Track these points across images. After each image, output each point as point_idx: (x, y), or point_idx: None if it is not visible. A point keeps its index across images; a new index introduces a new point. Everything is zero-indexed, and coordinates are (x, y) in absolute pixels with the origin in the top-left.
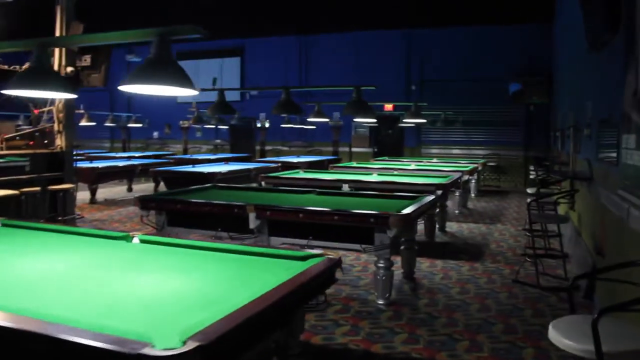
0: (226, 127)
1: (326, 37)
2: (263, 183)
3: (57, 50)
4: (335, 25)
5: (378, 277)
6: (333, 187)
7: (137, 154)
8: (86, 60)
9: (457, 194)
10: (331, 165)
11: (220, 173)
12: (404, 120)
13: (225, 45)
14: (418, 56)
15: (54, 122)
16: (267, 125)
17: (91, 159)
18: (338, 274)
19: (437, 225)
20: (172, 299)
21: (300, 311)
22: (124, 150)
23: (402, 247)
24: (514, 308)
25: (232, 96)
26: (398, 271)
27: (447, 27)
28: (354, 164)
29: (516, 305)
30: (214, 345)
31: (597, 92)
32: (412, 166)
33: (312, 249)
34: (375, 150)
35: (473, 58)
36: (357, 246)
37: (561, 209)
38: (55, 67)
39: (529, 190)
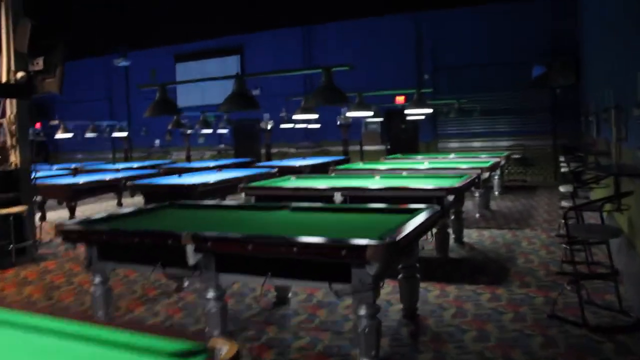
0: (225, 130)
1: (330, 27)
2: (243, 195)
3: (4, 52)
4: (338, 12)
5: (359, 329)
6: (323, 198)
7: (135, 165)
8: (38, 63)
9: (476, 194)
10: (331, 168)
11: (202, 185)
12: (406, 112)
13: (224, 44)
14: (430, 42)
15: (5, 137)
16: (269, 126)
17: (78, 173)
18: None
19: (453, 236)
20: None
21: None
22: (126, 161)
23: (400, 276)
24: None
25: None
26: (397, 306)
27: (460, 8)
28: (360, 165)
29: (554, 356)
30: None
31: None
32: (425, 165)
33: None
34: (388, 147)
35: (490, 41)
36: (331, 285)
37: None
38: (4, 73)
39: (562, 189)
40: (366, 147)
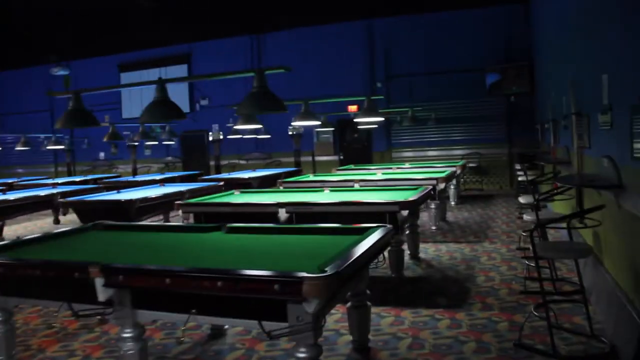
0: (172, 142)
1: (280, 36)
2: (180, 212)
3: None
4: (289, 20)
5: None
6: (267, 215)
7: (77, 179)
8: None
9: (432, 206)
10: (280, 181)
11: (140, 200)
12: (357, 120)
13: (170, 52)
14: (382, 50)
15: None
16: (220, 137)
17: (13, 189)
18: None
19: (408, 252)
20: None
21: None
22: (69, 175)
23: (348, 304)
24: None
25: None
26: (346, 336)
27: (413, 14)
28: (310, 177)
29: None
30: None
31: (628, 59)
32: (378, 175)
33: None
34: (341, 157)
35: (444, 48)
36: (266, 324)
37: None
38: None
39: (522, 200)
40: (319, 158)
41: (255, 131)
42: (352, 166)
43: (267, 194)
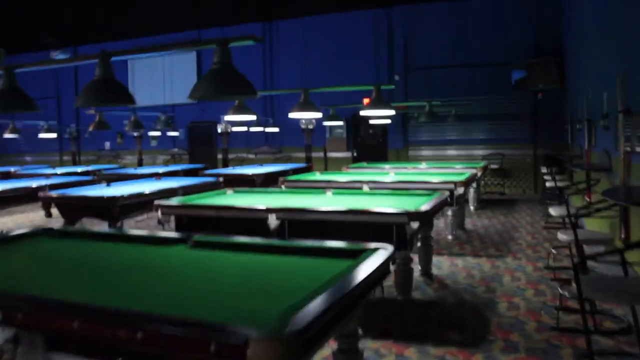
0: (176, 133)
1: (292, 23)
2: (159, 213)
3: None
4: (302, 8)
5: None
6: (256, 221)
7: (79, 169)
8: None
9: (449, 213)
10: (282, 179)
11: (125, 197)
12: (362, 114)
13: (179, 39)
14: (401, 40)
15: None
16: (229, 129)
17: (11, 177)
18: None
19: (419, 268)
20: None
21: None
22: (74, 164)
23: (335, 347)
24: None
25: (186, 95)
26: None
27: (433, 2)
28: (316, 176)
29: None
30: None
31: None
32: (391, 176)
33: None
34: (355, 154)
35: (467, 39)
36: None
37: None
38: None
39: (553, 212)
40: (331, 154)
41: (260, 123)
42: (365, 164)
43: (261, 195)
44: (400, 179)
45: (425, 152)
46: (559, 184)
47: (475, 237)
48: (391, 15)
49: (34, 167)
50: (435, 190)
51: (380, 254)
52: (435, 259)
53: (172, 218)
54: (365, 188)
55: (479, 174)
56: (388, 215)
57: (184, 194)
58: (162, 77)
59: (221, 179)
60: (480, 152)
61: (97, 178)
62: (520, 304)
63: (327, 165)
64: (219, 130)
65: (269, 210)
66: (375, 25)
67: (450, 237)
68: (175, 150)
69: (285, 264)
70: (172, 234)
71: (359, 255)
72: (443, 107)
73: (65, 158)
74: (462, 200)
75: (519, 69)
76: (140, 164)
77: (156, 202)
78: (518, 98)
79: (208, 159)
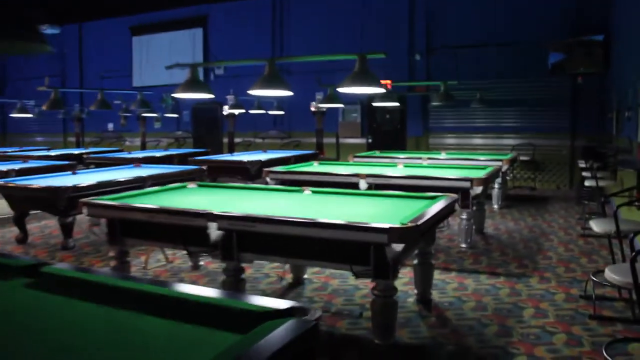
0: (174, 115)
1: None
2: (85, 213)
3: None
4: None
5: None
6: (192, 233)
7: (76, 151)
8: None
9: (464, 216)
10: (266, 170)
11: (70, 189)
12: (371, 97)
13: (185, 14)
14: (423, 15)
15: None
16: (235, 111)
17: None
18: None
19: (415, 292)
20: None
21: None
22: (77, 146)
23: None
24: None
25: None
26: None
27: None
28: (312, 167)
29: None
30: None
31: None
32: (397, 170)
33: None
34: (370, 141)
35: (498, 16)
36: None
37: None
38: None
39: (595, 227)
40: (344, 140)
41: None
42: (377, 153)
43: (221, 192)
44: (408, 173)
45: (449, 140)
46: (600, 182)
47: (495, 246)
48: None
49: (27, 149)
50: (443, 191)
51: (293, 326)
52: (439, 277)
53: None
54: (362, 184)
55: (506, 167)
56: (361, 232)
57: (151, 185)
58: (168, 56)
59: (204, 167)
60: (509, 141)
61: (72, 164)
62: (562, 351)
63: (340, 152)
64: (225, 113)
65: (209, 217)
66: (395, 2)
67: (464, 245)
68: (179, 133)
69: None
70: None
71: (271, 325)
72: (467, 90)
73: (71, 139)
74: (482, 200)
75: (557, 50)
76: (143, 147)
77: (83, 200)
78: (554, 82)
79: (213, 143)
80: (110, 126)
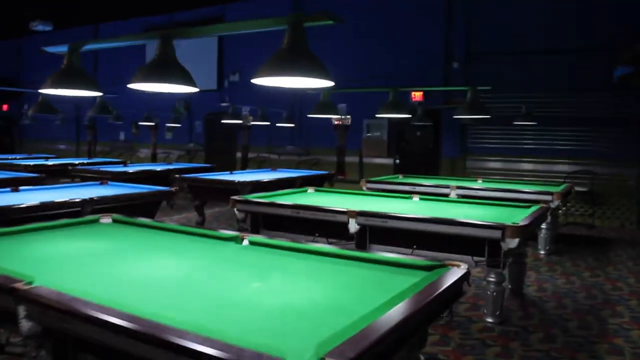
0: (177, 125)
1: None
2: None
3: None
4: None
5: None
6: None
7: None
8: None
9: (492, 277)
10: (233, 199)
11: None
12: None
13: (201, 15)
14: (462, 20)
15: None
16: (249, 123)
17: None
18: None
19: None
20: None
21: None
22: (89, 155)
23: None
24: None
25: (205, 83)
26: None
27: None
28: (302, 197)
29: None
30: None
31: None
32: (412, 202)
33: None
34: (397, 161)
35: (550, 20)
36: None
37: None
38: None
39: None
40: (368, 160)
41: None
42: (400, 177)
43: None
44: (422, 210)
45: (491, 164)
46: None
47: (537, 322)
48: None
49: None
50: (463, 242)
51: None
52: None
53: None
54: (352, 225)
55: (557, 202)
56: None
57: (90, 212)
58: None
59: (174, 189)
60: (562, 167)
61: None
62: None
63: (363, 174)
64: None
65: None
66: (432, 5)
67: (490, 320)
68: (191, 145)
69: None
70: None
71: None
72: (511, 104)
73: (84, 148)
74: (522, 250)
75: (625, 62)
76: (154, 159)
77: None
78: (620, 98)
79: (224, 157)
80: (122, 135)
